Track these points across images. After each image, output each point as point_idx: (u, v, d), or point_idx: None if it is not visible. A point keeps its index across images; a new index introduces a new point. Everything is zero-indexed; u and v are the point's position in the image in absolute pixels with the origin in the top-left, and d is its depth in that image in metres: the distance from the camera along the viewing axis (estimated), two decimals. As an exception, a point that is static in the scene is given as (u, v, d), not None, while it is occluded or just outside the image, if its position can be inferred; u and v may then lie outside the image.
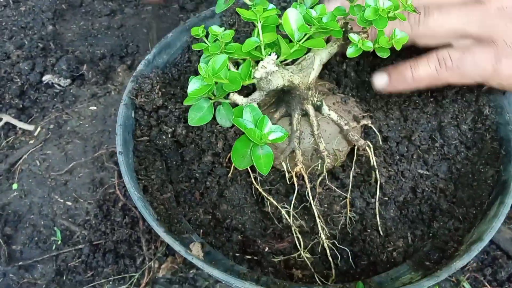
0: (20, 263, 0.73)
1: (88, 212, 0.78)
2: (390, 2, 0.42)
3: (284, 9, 0.56)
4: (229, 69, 0.41)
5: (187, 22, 0.64)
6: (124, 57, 1.02)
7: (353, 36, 0.43)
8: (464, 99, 0.56)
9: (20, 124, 0.90)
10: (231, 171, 0.55)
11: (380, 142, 0.53)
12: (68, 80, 0.96)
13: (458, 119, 0.56)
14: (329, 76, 0.58)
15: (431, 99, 0.57)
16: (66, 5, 1.12)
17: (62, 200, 0.80)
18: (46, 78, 0.95)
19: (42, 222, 0.78)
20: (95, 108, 0.92)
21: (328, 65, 0.56)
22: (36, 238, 0.76)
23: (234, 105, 0.45)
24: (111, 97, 0.95)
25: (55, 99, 0.94)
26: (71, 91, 0.95)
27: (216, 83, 0.41)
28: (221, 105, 0.44)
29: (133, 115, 0.56)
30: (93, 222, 0.76)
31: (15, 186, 0.82)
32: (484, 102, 0.56)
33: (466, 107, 0.56)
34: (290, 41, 0.45)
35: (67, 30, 1.08)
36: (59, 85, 0.96)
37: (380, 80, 0.53)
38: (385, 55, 0.44)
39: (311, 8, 0.45)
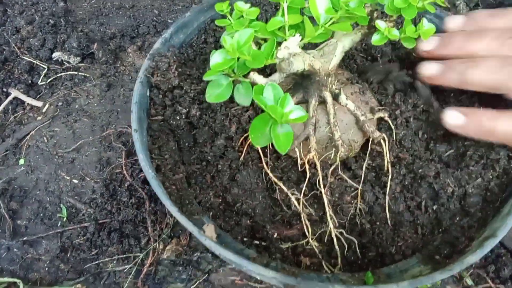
0: (24, 238, 0.73)
1: (94, 191, 0.78)
2: (419, -10, 0.41)
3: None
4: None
5: (204, 3, 0.63)
6: (134, 37, 1.01)
7: (380, 24, 0.43)
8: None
9: (29, 100, 0.89)
10: (242, 155, 0.55)
11: (394, 136, 0.53)
12: (78, 58, 0.95)
13: None
14: (349, 65, 0.57)
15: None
16: (78, -18, 1.11)
17: (68, 178, 0.80)
18: (56, 55, 0.94)
19: (48, 199, 0.77)
20: (104, 87, 0.92)
21: (351, 56, 0.55)
22: (41, 214, 0.76)
23: (254, 84, 0.45)
24: (120, 77, 0.94)
25: (64, 77, 0.93)
26: (81, 69, 0.95)
27: (238, 59, 0.40)
28: (240, 84, 0.44)
29: (148, 94, 0.56)
30: (99, 201, 0.76)
31: (22, 161, 0.82)
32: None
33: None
34: (315, 24, 0.44)
35: (78, 7, 1.07)
36: (68, 62, 0.95)
37: (456, 120, 0.50)
38: (410, 45, 0.43)
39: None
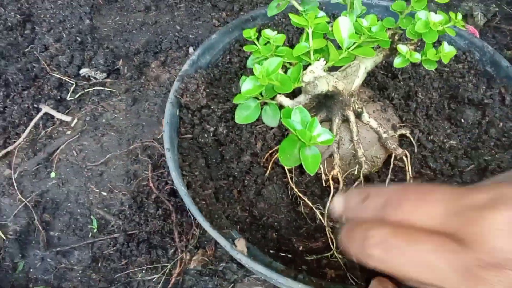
0: (57, 248, 0.76)
1: (122, 203, 0.81)
2: (441, 16, 0.43)
3: (333, 16, 0.57)
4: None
5: (229, 25, 0.66)
6: (157, 53, 1.05)
7: (401, 47, 0.45)
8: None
9: (58, 115, 0.93)
10: (268, 171, 0.57)
11: (416, 151, 0.55)
12: (104, 74, 0.99)
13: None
14: (370, 83, 0.59)
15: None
16: (103, 0, 1.15)
17: (97, 190, 0.83)
18: (83, 71, 0.99)
19: (79, 211, 0.81)
20: (129, 101, 0.95)
21: (372, 73, 0.57)
22: (73, 226, 0.79)
23: (280, 106, 0.47)
24: (145, 91, 0.97)
25: (91, 92, 0.97)
26: (107, 84, 0.98)
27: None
28: (267, 106, 0.46)
29: (178, 113, 0.59)
30: (128, 212, 0.79)
31: (53, 174, 0.85)
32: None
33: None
34: (338, 47, 0.46)
35: (103, 24, 1.11)
36: (95, 78, 0.99)
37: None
38: (432, 67, 0.45)
39: (361, 17, 0.46)
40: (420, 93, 0.58)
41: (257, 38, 0.50)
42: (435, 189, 0.38)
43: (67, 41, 1.03)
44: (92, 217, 0.80)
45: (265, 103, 0.46)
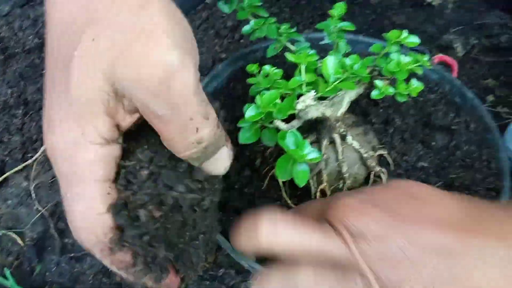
0: (71, 254, 0.83)
1: (131, 213, 0.89)
2: (410, 58, 0.53)
3: (321, 50, 0.67)
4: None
5: (233, 56, 0.76)
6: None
7: (378, 83, 0.54)
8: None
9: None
10: (265, 184, 0.66)
11: (392, 170, 0.64)
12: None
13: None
14: (355, 110, 0.69)
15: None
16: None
17: (108, 201, 0.91)
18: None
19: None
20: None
21: (356, 102, 0.67)
22: (85, 233, 0.87)
23: (277, 129, 0.56)
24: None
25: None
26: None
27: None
28: (266, 129, 0.55)
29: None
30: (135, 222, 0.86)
31: (67, 186, 0.93)
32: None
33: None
34: (326, 81, 0.56)
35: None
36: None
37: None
38: (403, 99, 0.54)
39: (346, 56, 0.56)
40: (397, 119, 0.68)
41: (259, 71, 0.59)
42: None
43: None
44: (103, 225, 0.87)
45: (264, 127, 0.55)
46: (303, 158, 0.47)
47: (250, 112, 0.50)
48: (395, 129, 0.67)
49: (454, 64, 0.97)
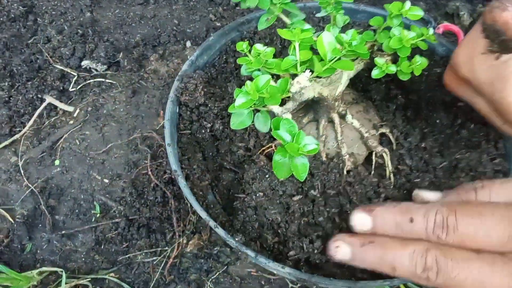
0: (63, 231, 0.82)
1: (123, 190, 0.87)
2: (413, 32, 0.48)
3: (323, 20, 0.62)
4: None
5: (225, 27, 0.71)
6: (156, 46, 1.09)
7: (378, 60, 0.50)
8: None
9: (61, 105, 0.98)
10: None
11: (394, 149, 0.61)
12: (105, 66, 1.03)
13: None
14: (355, 85, 0.65)
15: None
16: (102, -7, 1.18)
17: (100, 178, 0.89)
18: (85, 63, 1.03)
19: (82, 196, 0.87)
20: (129, 93, 1.00)
21: (356, 76, 0.63)
22: (77, 210, 0.85)
23: (271, 112, 0.52)
24: (144, 84, 1.02)
25: (92, 83, 1.02)
26: (107, 76, 1.03)
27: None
28: (259, 113, 0.51)
29: (177, 111, 0.64)
30: (128, 199, 0.84)
31: (57, 162, 0.91)
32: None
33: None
34: (322, 59, 0.52)
35: (104, 17, 1.15)
36: (96, 70, 1.03)
37: (361, 223, 0.44)
38: (405, 77, 0.50)
39: (343, 31, 0.52)
40: (400, 95, 0.64)
41: (250, 51, 0.54)
42: (493, 205, 0.38)
43: (69, 34, 1.07)
44: (95, 202, 0.85)
45: (257, 110, 0.51)
46: (300, 151, 0.44)
47: (240, 99, 0.46)
48: (398, 106, 0.64)
49: (460, 33, 0.92)
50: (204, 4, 1.18)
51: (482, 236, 0.36)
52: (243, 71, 0.55)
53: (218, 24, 1.12)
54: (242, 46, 0.53)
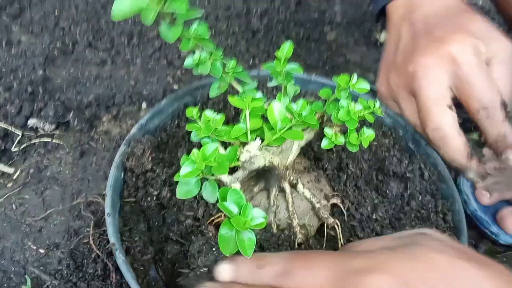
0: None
1: (60, 261, 0.79)
2: (360, 105, 0.49)
3: (272, 95, 0.62)
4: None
5: (179, 92, 0.70)
6: (110, 106, 1.06)
7: (327, 131, 0.50)
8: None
9: (0, 166, 0.91)
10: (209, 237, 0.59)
11: (346, 219, 0.59)
12: (53, 126, 0.99)
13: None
14: (307, 154, 0.64)
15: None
16: (58, 52, 1.16)
17: (35, 247, 0.81)
18: (31, 122, 0.98)
19: (13, 269, 0.78)
20: (77, 155, 0.95)
21: (309, 144, 0.63)
22: (5, 285, 0.76)
23: (220, 181, 0.50)
24: (94, 145, 0.98)
25: (37, 144, 0.96)
26: (55, 136, 0.98)
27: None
28: (207, 181, 0.49)
29: (122, 177, 0.60)
30: (65, 272, 0.77)
31: (-12, 229, 0.82)
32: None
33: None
34: (273, 128, 0.51)
35: (57, 76, 1.12)
36: (43, 129, 0.98)
37: (223, 273, 0.46)
38: (354, 149, 0.50)
39: (294, 100, 0.52)
40: (351, 165, 0.64)
41: (200, 117, 0.53)
42: (322, 255, 0.45)
43: (17, 91, 1.03)
44: (26, 276, 0.76)
45: (206, 178, 0.49)
46: (247, 225, 0.42)
47: (186, 168, 0.44)
48: (348, 176, 0.63)
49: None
50: (162, 67, 1.18)
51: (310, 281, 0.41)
52: (193, 138, 0.54)
53: (176, 86, 1.12)
54: (192, 112, 0.51)
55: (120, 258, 0.50)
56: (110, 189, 0.57)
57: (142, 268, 0.54)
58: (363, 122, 0.55)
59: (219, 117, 0.50)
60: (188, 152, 0.52)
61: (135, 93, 1.10)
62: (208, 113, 0.50)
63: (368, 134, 0.50)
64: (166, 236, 0.60)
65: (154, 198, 0.60)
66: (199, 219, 0.59)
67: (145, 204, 0.60)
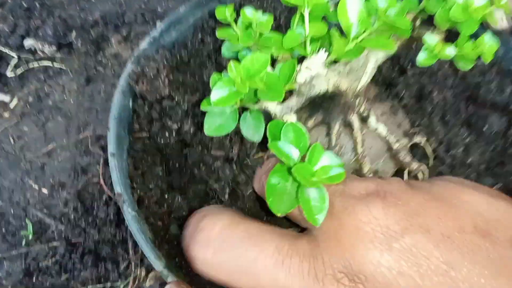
0: (-15, 259, 0.63)
1: (66, 204, 0.68)
2: (484, -1, 0.32)
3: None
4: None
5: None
6: (119, 26, 0.90)
7: (428, 39, 0.33)
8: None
9: (-6, 94, 0.78)
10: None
11: (430, 164, 0.45)
12: (54, 48, 0.84)
13: None
14: (374, 78, 0.48)
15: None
16: (57, -41, 0.98)
17: (37, 187, 0.70)
18: (28, 43, 0.83)
19: (12, 211, 0.67)
20: (82, 81, 0.81)
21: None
22: (3, 230, 0.66)
23: (265, 112, 0.36)
24: (102, 70, 0.83)
25: (36, 68, 0.82)
26: (56, 60, 0.84)
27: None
28: (248, 112, 0.35)
29: (130, 105, 0.46)
30: (72, 216, 0.66)
31: (-17, 166, 0.71)
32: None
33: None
34: (344, 35, 0.35)
35: (56, -12, 0.95)
36: (43, 52, 0.84)
37: None
38: (467, 66, 0.34)
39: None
40: (435, 93, 0.48)
41: (236, 21, 0.38)
42: None
43: (11, 6, 0.87)
44: (27, 220, 0.66)
45: (245, 109, 0.35)
46: (317, 178, 0.28)
47: (219, 91, 0.30)
48: (434, 107, 0.47)
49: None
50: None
51: None
52: (226, 51, 0.39)
53: (196, 2, 0.94)
54: (225, 12, 0.36)
55: (129, 213, 0.37)
56: (115, 121, 0.43)
57: (160, 224, 0.41)
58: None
59: (266, 18, 0.34)
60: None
61: (149, 10, 0.93)
62: (249, 12, 0.34)
63: (491, 42, 0.33)
64: (189, 181, 0.46)
65: (174, 133, 0.46)
66: (232, 159, 0.46)
67: (162, 141, 0.46)
